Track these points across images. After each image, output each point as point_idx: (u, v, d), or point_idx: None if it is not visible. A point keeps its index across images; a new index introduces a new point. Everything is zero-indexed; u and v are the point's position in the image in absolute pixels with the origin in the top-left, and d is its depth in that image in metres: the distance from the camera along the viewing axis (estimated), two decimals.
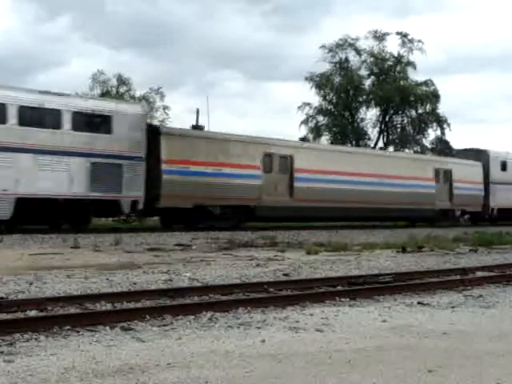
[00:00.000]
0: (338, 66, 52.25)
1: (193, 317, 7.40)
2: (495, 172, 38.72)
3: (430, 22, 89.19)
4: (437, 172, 35.54)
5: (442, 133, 53.21)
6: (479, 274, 12.59)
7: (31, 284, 9.59)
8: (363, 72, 52.89)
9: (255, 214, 26.81)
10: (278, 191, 27.60)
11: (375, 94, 51.38)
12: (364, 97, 53.00)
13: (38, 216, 21.51)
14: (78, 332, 6.56)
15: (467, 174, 36.75)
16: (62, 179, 21.38)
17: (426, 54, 53.31)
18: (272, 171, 27.66)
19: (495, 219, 38.26)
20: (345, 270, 12.69)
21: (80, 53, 78.69)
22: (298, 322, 7.30)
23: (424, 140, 53.02)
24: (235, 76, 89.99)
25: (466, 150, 41.48)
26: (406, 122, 54.13)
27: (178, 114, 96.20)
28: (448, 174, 36.05)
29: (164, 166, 24.07)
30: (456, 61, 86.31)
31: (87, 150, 21.91)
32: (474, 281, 11.33)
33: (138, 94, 51.17)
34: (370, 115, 53.55)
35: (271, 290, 9.67)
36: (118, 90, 50.91)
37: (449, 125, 52.93)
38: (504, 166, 39.40)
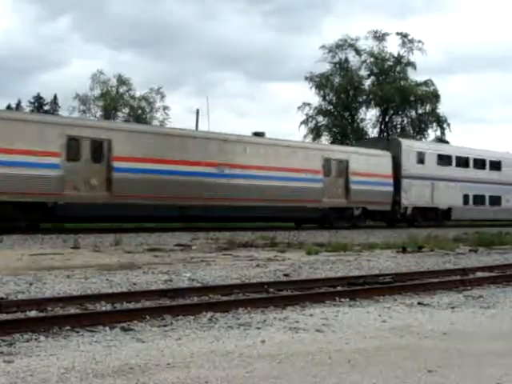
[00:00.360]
0: (337, 66, 52.33)
1: (193, 317, 7.40)
2: (410, 164, 33.22)
3: (430, 22, 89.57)
4: (327, 163, 29.54)
5: (442, 133, 53.32)
6: (479, 274, 12.59)
7: (31, 284, 9.59)
8: (363, 72, 53.04)
9: (54, 213, 21.61)
10: (90, 185, 22.32)
11: (375, 94, 51.43)
12: (364, 97, 53.05)
13: None
14: (77, 332, 6.57)
15: (371, 166, 30.97)
16: None
17: (426, 54, 53.56)
18: (80, 159, 22.25)
19: (410, 220, 33.08)
20: (345, 271, 12.69)
21: (80, 53, 78.88)
22: (297, 322, 7.30)
23: (424, 140, 53.11)
24: (235, 76, 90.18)
25: (374, 138, 36.14)
26: (406, 122, 54.23)
27: (178, 115, 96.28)
28: (343, 166, 30.13)
29: None
30: (456, 61, 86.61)
31: None
32: (474, 281, 11.33)
33: (138, 93, 51.31)
34: (369, 115, 53.70)
35: (271, 290, 9.67)
36: (118, 89, 50.96)
37: (449, 125, 53.07)
38: (421, 158, 34.03)
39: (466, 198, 36.25)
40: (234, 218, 27.00)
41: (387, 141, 35.02)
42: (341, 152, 31.27)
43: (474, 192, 36.79)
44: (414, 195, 33.05)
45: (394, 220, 32.86)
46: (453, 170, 35.77)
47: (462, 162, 36.76)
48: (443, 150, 36.86)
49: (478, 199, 37.12)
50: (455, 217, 35.46)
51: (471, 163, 37.29)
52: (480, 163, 37.79)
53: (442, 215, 34.80)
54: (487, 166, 38.28)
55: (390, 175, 32.00)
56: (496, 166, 38.73)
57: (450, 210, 35.09)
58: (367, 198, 30.38)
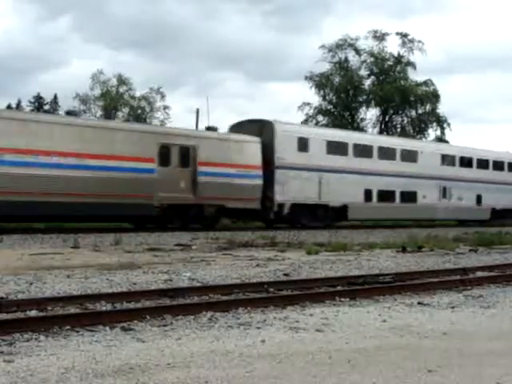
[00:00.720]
0: (337, 65, 52.35)
1: (193, 317, 7.40)
2: (287, 152, 27.46)
3: (430, 22, 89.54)
4: (164, 149, 24.23)
5: (442, 133, 53.40)
6: (479, 273, 12.59)
7: (31, 284, 9.59)
8: (363, 72, 53.11)
9: None
10: None
11: (375, 94, 51.47)
12: (364, 97, 53.09)
13: None
14: (77, 332, 6.56)
15: (231, 154, 25.88)
16: None
17: (426, 54, 53.60)
18: None
19: (289, 219, 27.56)
20: (345, 270, 12.69)
21: (80, 53, 78.87)
22: (297, 321, 7.29)
23: (424, 140, 53.15)
24: (235, 76, 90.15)
25: (246, 122, 29.84)
26: (406, 122, 54.27)
27: (178, 114, 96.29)
28: (189, 154, 24.83)
29: None
30: (456, 61, 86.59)
31: None
32: (474, 281, 11.33)
33: (138, 93, 51.33)
34: (370, 115, 53.76)
35: (271, 289, 9.68)
36: (118, 89, 50.97)
37: (449, 125, 53.14)
38: (304, 145, 28.32)
39: (368, 193, 30.72)
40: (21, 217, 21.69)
41: (258, 124, 28.32)
42: (185, 137, 25.53)
43: (380, 187, 31.25)
44: (294, 190, 27.28)
45: (270, 220, 27.72)
46: (350, 161, 30.05)
47: (363, 152, 30.97)
48: (335, 136, 30.81)
49: (386, 195, 31.57)
50: (353, 216, 30.15)
51: (375, 153, 31.55)
52: (388, 153, 32.19)
53: (334, 214, 29.26)
54: (398, 156, 32.69)
55: (258, 165, 26.61)
56: (410, 156, 33.37)
57: (345, 207, 29.50)
58: (224, 193, 25.23)
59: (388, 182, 31.63)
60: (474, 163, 37.24)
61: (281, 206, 27.08)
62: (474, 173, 36.77)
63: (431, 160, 34.38)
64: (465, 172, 36.23)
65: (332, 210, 29.13)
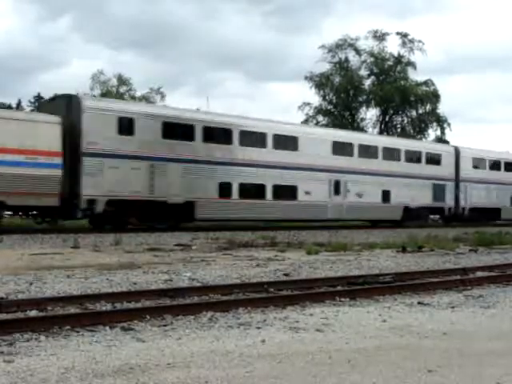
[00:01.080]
0: (337, 66, 52.37)
1: (193, 317, 7.40)
2: (102, 136, 22.31)
3: (430, 22, 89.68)
4: None
5: (442, 133, 53.42)
6: (479, 273, 12.59)
7: (31, 284, 9.60)
8: (363, 72, 53.12)
9: None
10: None
11: (375, 94, 51.49)
12: (364, 97, 53.10)
13: None
14: (78, 332, 6.57)
15: (13, 137, 20.50)
16: None
17: (426, 54, 53.69)
18: None
19: (107, 219, 22.74)
20: (345, 270, 12.69)
21: (80, 53, 78.92)
22: (297, 322, 7.30)
23: (424, 140, 53.17)
24: (235, 76, 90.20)
25: (51, 99, 25.18)
26: (406, 122, 54.28)
27: None
28: None
29: None
30: (456, 61, 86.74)
31: None
32: (474, 281, 11.33)
33: (138, 93, 51.35)
34: (370, 115, 53.77)
35: (271, 289, 9.68)
36: (118, 89, 50.98)
37: (449, 124, 53.16)
38: (128, 127, 23.25)
39: (224, 187, 25.71)
40: None
41: (67, 101, 23.12)
42: None
43: (243, 180, 26.25)
44: (112, 183, 22.42)
45: (93, 220, 23.31)
46: (198, 147, 25.01)
47: (218, 137, 25.89)
48: (175, 116, 24.86)
49: (252, 190, 26.57)
50: (203, 215, 25.11)
51: (236, 138, 26.28)
52: (254, 139, 26.95)
53: (176, 213, 24.36)
54: (269, 143, 27.28)
55: (56, 151, 21.28)
56: (287, 143, 28.01)
57: (191, 205, 24.57)
58: (2, 186, 20.24)
59: (254, 174, 26.57)
60: (380, 153, 31.55)
61: (92, 202, 22.03)
62: (378, 164, 31.21)
63: (318, 148, 28.85)
64: (366, 163, 30.62)
65: (172, 208, 24.15)
